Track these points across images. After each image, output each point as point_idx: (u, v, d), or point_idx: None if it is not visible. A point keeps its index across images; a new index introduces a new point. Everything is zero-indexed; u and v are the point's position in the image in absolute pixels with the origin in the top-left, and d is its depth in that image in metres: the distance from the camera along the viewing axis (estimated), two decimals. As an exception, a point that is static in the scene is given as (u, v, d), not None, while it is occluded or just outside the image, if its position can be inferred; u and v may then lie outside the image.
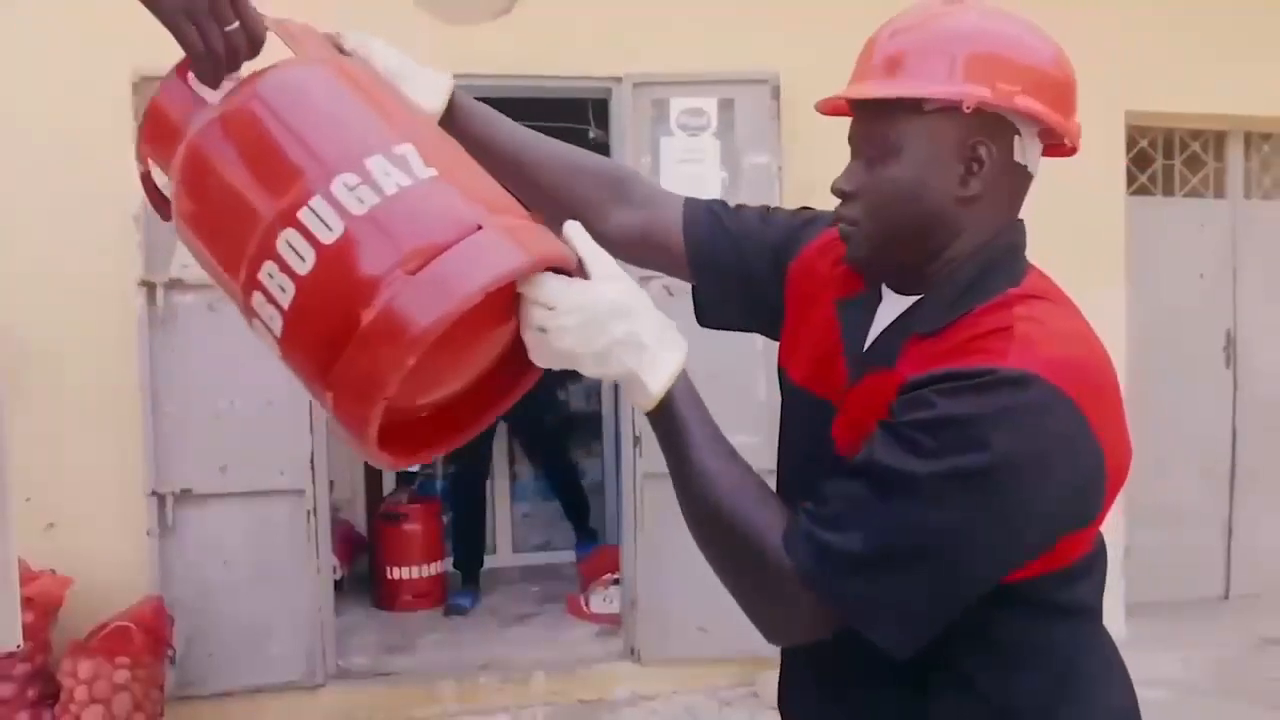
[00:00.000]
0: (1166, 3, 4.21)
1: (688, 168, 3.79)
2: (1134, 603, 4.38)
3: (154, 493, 3.44)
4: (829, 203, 1.46)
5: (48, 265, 3.45)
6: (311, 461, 3.58)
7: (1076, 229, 4.11)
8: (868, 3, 3.58)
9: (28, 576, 3.34)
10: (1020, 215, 1.10)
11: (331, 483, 4.94)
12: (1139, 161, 4.53)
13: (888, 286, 1.11)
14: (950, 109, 0.99)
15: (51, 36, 3.47)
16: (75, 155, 3.43)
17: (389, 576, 4.54)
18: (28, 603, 3.28)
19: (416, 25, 3.61)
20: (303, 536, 3.57)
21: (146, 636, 3.27)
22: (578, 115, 4.17)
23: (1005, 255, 1.06)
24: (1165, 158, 4.54)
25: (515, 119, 1.31)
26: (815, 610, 0.94)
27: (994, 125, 1.01)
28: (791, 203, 3.31)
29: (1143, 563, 4.48)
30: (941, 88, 0.99)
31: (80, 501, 3.49)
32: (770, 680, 3.82)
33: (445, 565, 4.67)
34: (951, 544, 0.91)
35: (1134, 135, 4.48)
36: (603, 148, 3.87)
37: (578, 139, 3.95)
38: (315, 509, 3.58)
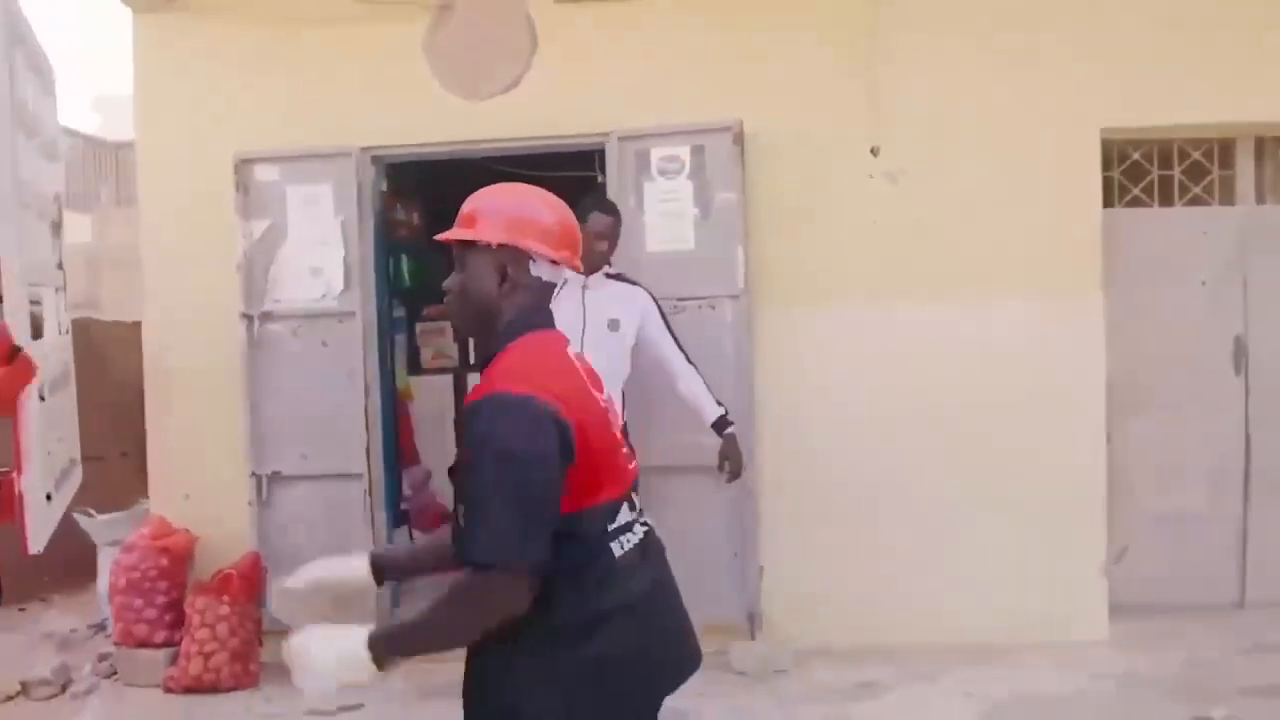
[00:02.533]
0: (1142, 24, 4.46)
1: (667, 206, 4.56)
2: (1134, 604, 4.64)
3: (254, 473, 4.68)
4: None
5: (180, 305, 4.77)
6: (368, 452, 4.68)
7: (1053, 242, 4.52)
8: (814, 61, 4.35)
9: (166, 532, 4.69)
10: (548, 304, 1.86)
11: (429, 471, 6.13)
12: (1134, 174, 4.76)
13: (475, 350, 1.90)
14: (489, 246, 1.78)
15: (180, 130, 4.78)
16: (195, 219, 4.71)
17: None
18: (166, 551, 4.62)
19: (447, 101, 4.59)
20: (364, 511, 4.69)
21: (244, 582, 4.49)
22: (589, 165, 5.00)
23: (522, 328, 1.82)
24: (1164, 168, 4.73)
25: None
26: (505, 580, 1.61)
27: (516, 255, 1.79)
28: (754, 230, 4.06)
29: (1149, 567, 4.74)
30: (487, 235, 1.78)
31: (207, 479, 4.78)
32: (744, 649, 4.64)
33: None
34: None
35: (1126, 149, 4.72)
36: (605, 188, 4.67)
37: (591, 185, 4.82)
38: (370, 489, 4.69)
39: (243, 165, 4.63)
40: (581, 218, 3.34)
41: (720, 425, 3.96)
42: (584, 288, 3.81)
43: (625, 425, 3.39)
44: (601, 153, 4.64)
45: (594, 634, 1.70)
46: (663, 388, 4.10)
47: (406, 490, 5.80)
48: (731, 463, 3.98)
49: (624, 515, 1.77)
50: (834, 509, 4.56)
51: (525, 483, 1.62)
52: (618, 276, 3.96)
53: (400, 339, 6.14)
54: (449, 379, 6.26)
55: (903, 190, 4.54)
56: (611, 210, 3.98)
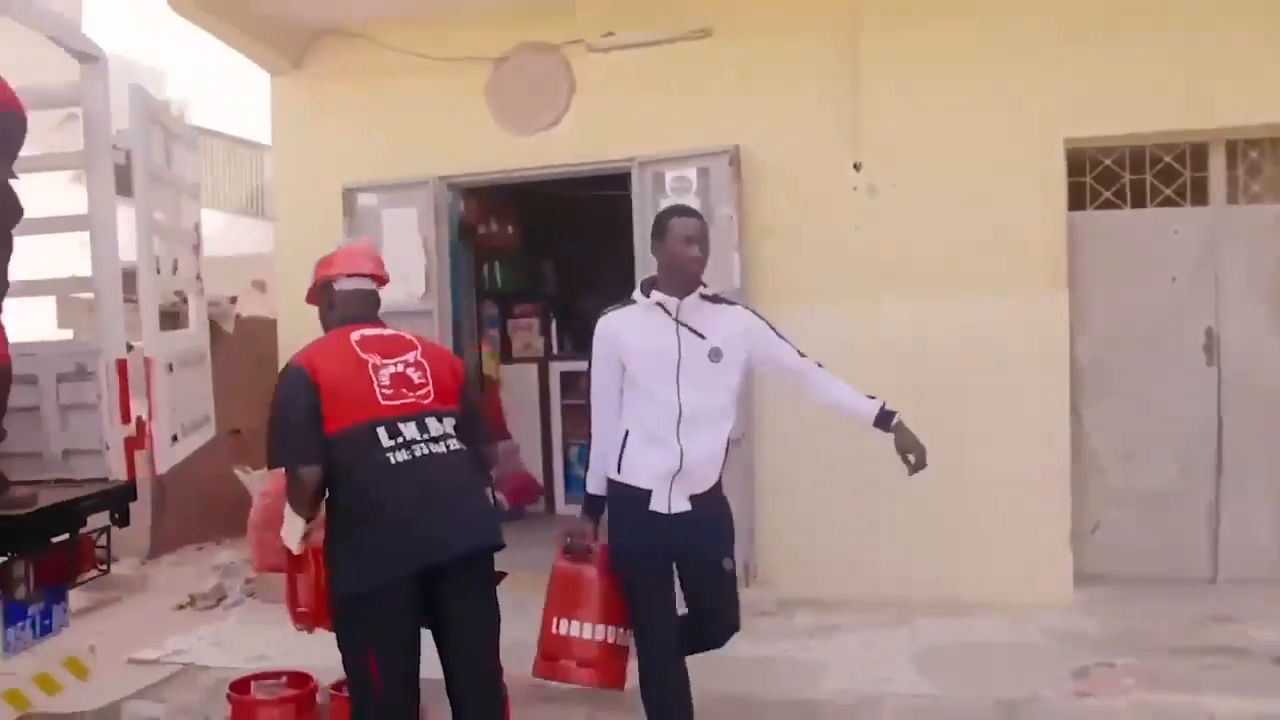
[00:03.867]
0: (1104, 42, 4.97)
1: (680, 219, 5.46)
2: (1107, 575, 5.17)
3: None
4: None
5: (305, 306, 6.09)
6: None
7: (1020, 244, 5.13)
8: (801, 92, 5.15)
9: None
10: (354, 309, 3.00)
11: (516, 445, 7.28)
12: (1110, 178, 5.24)
13: None
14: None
15: (304, 166, 6.12)
16: (315, 236, 6.02)
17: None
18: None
19: (499, 135, 5.71)
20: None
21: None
22: (620, 185, 5.96)
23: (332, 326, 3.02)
24: (1137, 173, 5.19)
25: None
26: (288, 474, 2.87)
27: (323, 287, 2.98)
28: (750, 237, 4.88)
29: (1121, 541, 5.23)
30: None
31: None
32: None
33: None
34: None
35: (1097, 156, 5.22)
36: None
37: (623, 202, 5.78)
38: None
39: (348, 193, 5.92)
40: (661, 227, 3.18)
41: (884, 420, 3.25)
42: (676, 317, 3.15)
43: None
44: (628, 175, 5.60)
45: (369, 518, 2.77)
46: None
47: (493, 460, 6.97)
48: (915, 455, 3.22)
49: (403, 435, 2.84)
50: (822, 480, 5.31)
51: (281, 418, 2.80)
52: (715, 298, 3.29)
53: (494, 333, 7.35)
54: (534, 366, 7.38)
55: (882, 201, 5.25)
56: (694, 212, 3.33)
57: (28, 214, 3.37)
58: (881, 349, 5.14)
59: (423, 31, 5.76)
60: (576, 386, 6.75)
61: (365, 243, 3.78)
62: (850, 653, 4.61)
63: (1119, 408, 5.23)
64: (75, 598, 4.92)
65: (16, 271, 3.36)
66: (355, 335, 2.98)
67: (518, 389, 7.33)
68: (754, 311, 3.42)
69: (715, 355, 3.15)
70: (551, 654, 3.26)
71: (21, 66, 3.92)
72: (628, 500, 3.17)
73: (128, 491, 3.74)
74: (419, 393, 2.96)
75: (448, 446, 2.93)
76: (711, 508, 3.24)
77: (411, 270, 5.91)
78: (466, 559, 2.88)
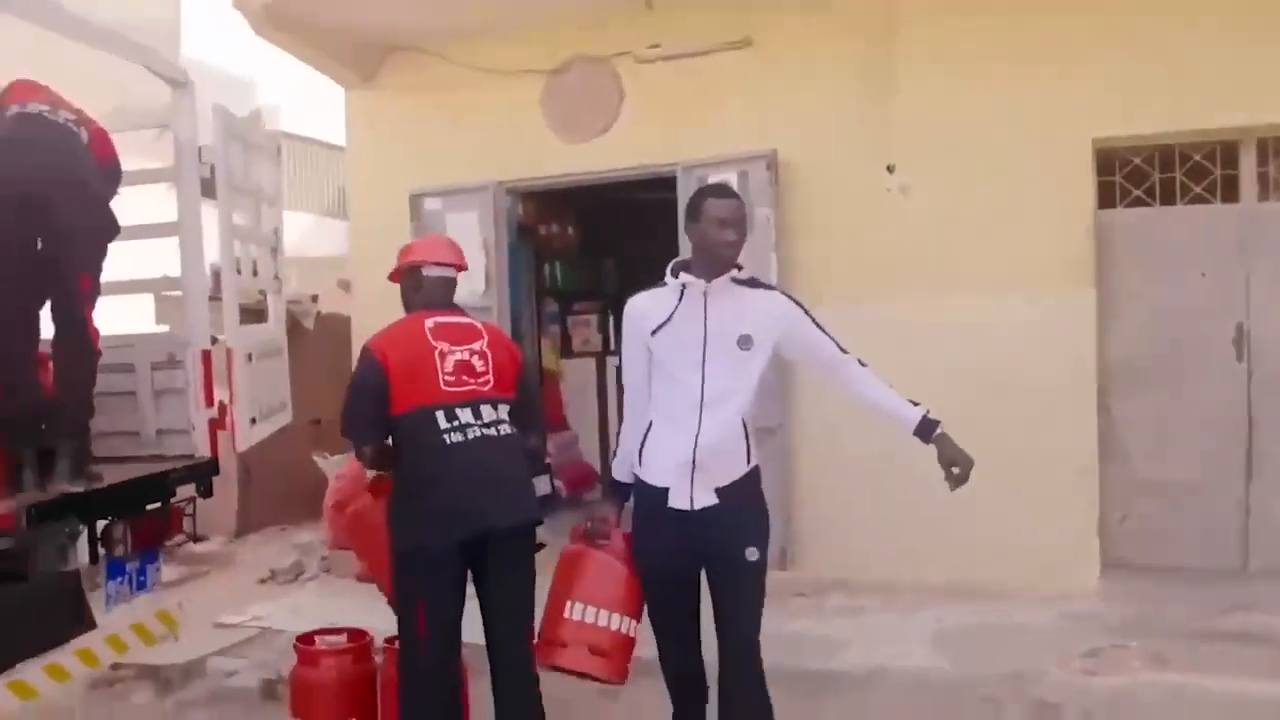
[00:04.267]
0: (1132, 45, 5.14)
1: (721, 220, 5.79)
2: (1126, 562, 5.39)
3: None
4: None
5: (376, 303, 6.59)
6: (500, 413, 6.27)
7: (1048, 244, 5.33)
8: (836, 98, 5.45)
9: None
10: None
11: (576, 436, 7.68)
12: (1139, 177, 5.39)
13: None
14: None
15: (375, 173, 6.62)
16: (384, 238, 6.51)
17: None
18: (358, 479, 6.46)
19: (554, 142, 6.12)
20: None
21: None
22: (667, 188, 6.30)
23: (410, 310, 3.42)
24: (1167, 171, 5.33)
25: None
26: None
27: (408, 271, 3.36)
28: (787, 238, 5.21)
29: (1146, 531, 5.39)
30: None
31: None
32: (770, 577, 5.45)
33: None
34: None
35: (1127, 155, 5.38)
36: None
37: (669, 205, 6.12)
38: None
39: (414, 199, 6.40)
40: (695, 208, 3.04)
41: (925, 430, 3.06)
42: (705, 294, 3.03)
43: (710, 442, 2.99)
44: (674, 178, 5.95)
45: (424, 489, 3.16)
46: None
47: (552, 450, 7.39)
48: (960, 467, 3.02)
49: (459, 420, 3.20)
50: (856, 468, 5.58)
51: (352, 397, 3.23)
52: (751, 282, 3.13)
53: (554, 329, 7.77)
54: (593, 360, 7.78)
55: (915, 201, 5.50)
56: (730, 193, 3.21)
57: (130, 220, 3.88)
58: (913, 343, 5.37)
59: (483, 47, 6.20)
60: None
61: (443, 236, 4.11)
62: (873, 631, 4.88)
63: (1149, 402, 5.37)
64: (170, 571, 5.52)
65: (120, 272, 3.88)
66: (430, 322, 3.34)
67: (577, 382, 7.74)
68: (793, 299, 3.16)
69: (745, 343, 3.00)
70: (561, 639, 3.18)
71: (122, 87, 4.50)
72: (647, 498, 3.11)
73: (210, 467, 4.23)
74: (479, 380, 3.31)
75: (499, 431, 3.28)
76: (741, 500, 3.06)
77: (472, 269, 6.33)
78: (507, 533, 3.25)
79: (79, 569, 3.75)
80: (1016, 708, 4.03)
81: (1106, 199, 5.39)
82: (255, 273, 4.90)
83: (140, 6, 14.68)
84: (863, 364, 3.12)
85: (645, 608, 3.17)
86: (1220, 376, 5.27)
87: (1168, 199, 5.36)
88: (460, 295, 6.11)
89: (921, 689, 4.21)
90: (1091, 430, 5.27)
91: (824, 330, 3.12)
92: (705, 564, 3.09)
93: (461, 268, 3.63)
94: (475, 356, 3.33)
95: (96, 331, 3.71)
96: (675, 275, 3.08)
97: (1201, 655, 4.31)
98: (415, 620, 3.27)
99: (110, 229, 3.70)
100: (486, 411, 3.28)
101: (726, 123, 5.80)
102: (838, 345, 3.11)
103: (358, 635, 4.03)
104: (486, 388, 3.30)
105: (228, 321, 4.41)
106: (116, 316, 4.01)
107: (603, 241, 8.30)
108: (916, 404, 3.09)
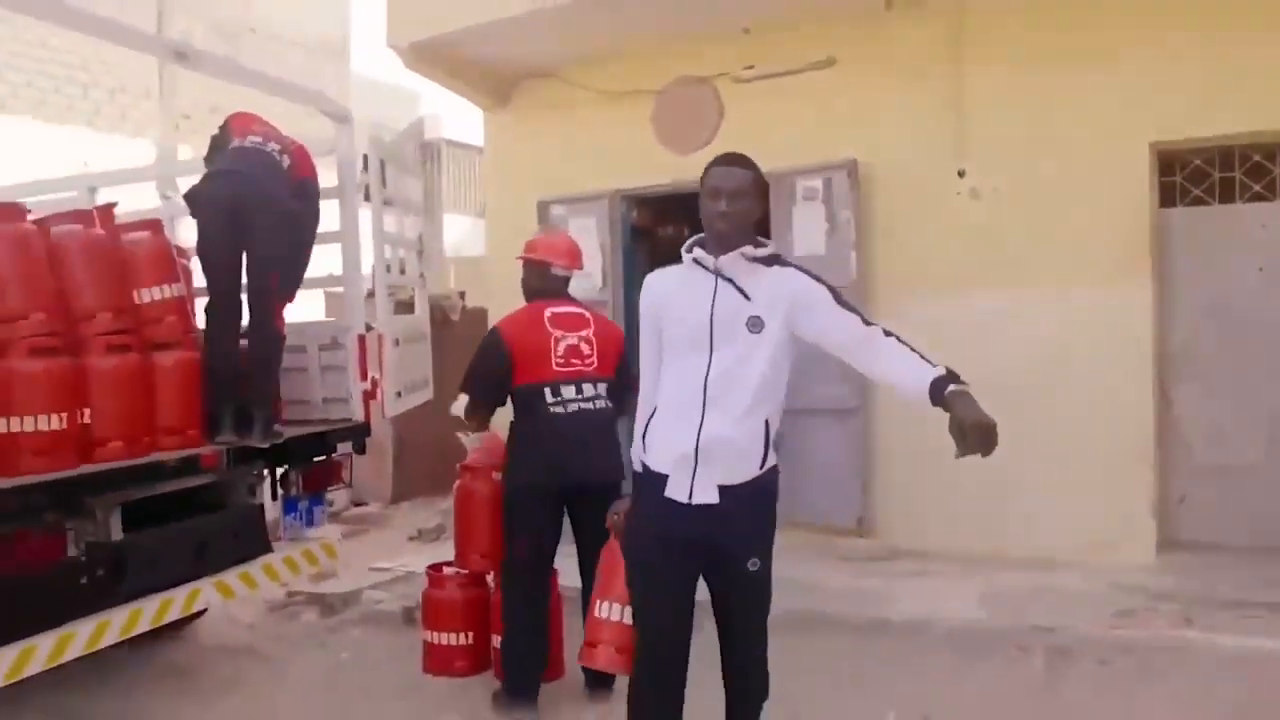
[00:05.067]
0: (1191, 52, 5.54)
1: (809, 225, 6.48)
2: (1185, 541, 5.81)
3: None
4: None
5: (512, 298, 7.60)
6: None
7: (1109, 240, 5.80)
8: (911, 107, 6.18)
9: (495, 443, 7.54)
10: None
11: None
12: (1197, 176, 5.76)
13: None
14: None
15: (505, 184, 7.62)
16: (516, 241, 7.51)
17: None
18: (492, 452, 7.48)
19: (662, 154, 6.95)
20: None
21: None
22: (763, 193, 7.01)
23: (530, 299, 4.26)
24: (1224, 170, 5.68)
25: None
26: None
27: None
28: (866, 238, 6.09)
29: (1204, 512, 5.78)
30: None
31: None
32: (850, 544, 6.17)
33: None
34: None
35: (1187, 157, 5.76)
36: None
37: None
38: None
39: (542, 205, 7.36)
40: (701, 181, 2.94)
41: (938, 389, 2.67)
42: (716, 272, 2.85)
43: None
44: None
45: (531, 445, 4.06)
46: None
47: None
48: (972, 434, 2.60)
49: (562, 395, 4.05)
50: (929, 450, 6.13)
51: (475, 366, 4.10)
52: (770, 259, 2.90)
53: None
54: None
55: (984, 203, 6.04)
56: (733, 160, 3.00)
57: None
58: (982, 334, 5.91)
59: (599, 71, 7.09)
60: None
61: (566, 236, 4.90)
62: (928, 590, 5.48)
63: (1207, 390, 5.75)
64: (335, 530, 6.67)
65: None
66: (549, 312, 4.21)
67: (689, 371, 8.53)
68: (813, 276, 2.89)
69: (755, 324, 2.78)
70: (592, 639, 3.40)
71: (289, 118, 5.61)
72: (645, 483, 2.95)
73: (364, 429, 5.26)
74: (585, 362, 4.17)
75: (595, 405, 4.14)
76: (746, 502, 2.84)
77: (591, 267, 7.25)
78: (592, 488, 4.02)
79: (262, 504, 4.86)
80: (1040, 654, 4.58)
81: (1167, 198, 5.79)
82: (403, 271, 5.94)
83: (317, 31, 16.41)
84: (888, 334, 2.78)
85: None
86: (1277, 365, 5.59)
87: (1227, 197, 5.72)
88: (580, 290, 7.08)
89: (958, 635, 4.81)
90: (1149, 415, 5.69)
91: (852, 308, 2.83)
92: (704, 573, 2.91)
93: (581, 268, 4.48)
94: (583, 342, 4.18)
95: (282, 320, 4.77)
96: (690, 251, 2.90)
97: (1227, 619, 4.74)
98: (518, 546, 4.18)
99: (300, 240, 4.76)
100: (587, 389, 4.13)
101: (811, 134, 6.47)
102: (862, 318, 2.81)
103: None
104: (590, 368, 4.15)
105: (380, 312, 5.44)
106: (294, 309, 5.08)
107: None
108: (931, 363, 2.69)
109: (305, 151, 4.88)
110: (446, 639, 4.67)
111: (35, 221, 4.10)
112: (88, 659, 3.81)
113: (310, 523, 5.12)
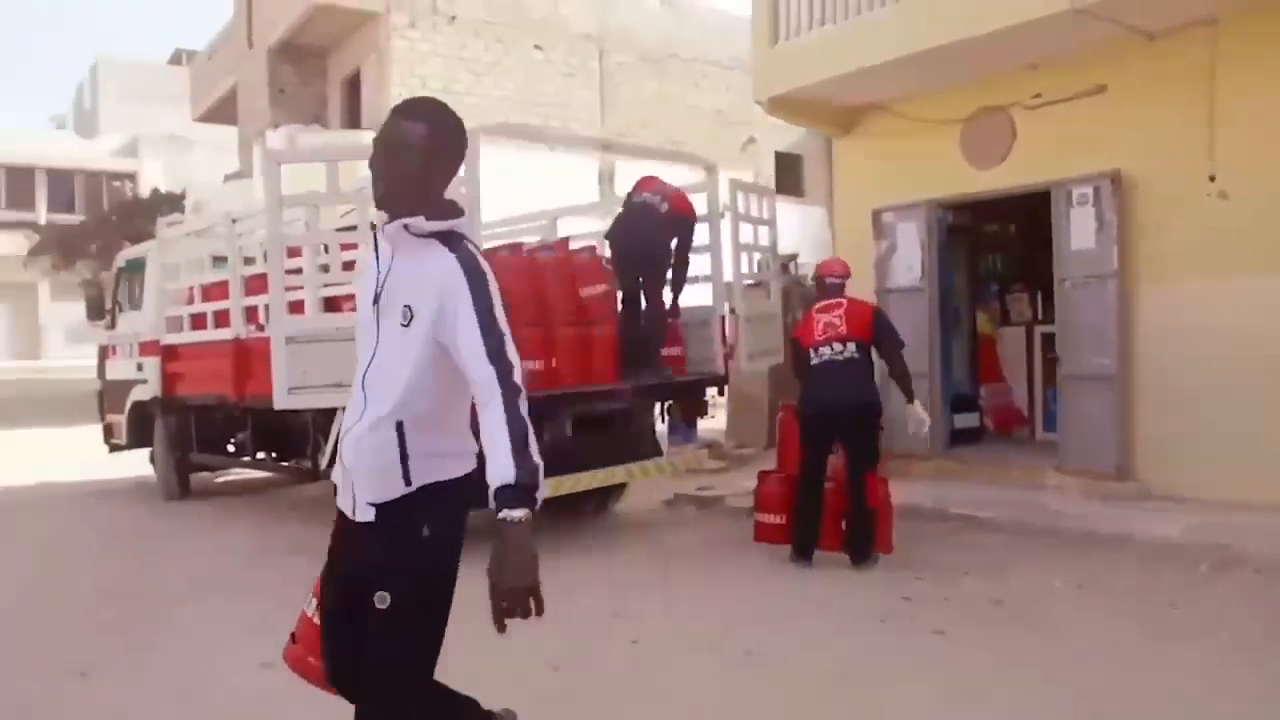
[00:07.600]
0: None
1: (1082, 225, 8.08)
2: None
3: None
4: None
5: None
6: (930, 362, 9.23)
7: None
8: (1167, 124, 8.27)
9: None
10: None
11: (1009, 387, 10.24)
12: None
13: None
14: None
15: (849, 195, 9.93)
16: (857, 242, 9.81)
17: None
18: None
19: (968, 169, 8.86)
20: (927, 396, 9.26)
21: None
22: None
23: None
24: None
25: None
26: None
27: None
28: (1127, 236, 8.27)
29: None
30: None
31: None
32: (1109, 487, 8.00)
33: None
34: None
35: None
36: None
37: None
38: (931, 384, 9.22)
39: (875, 213, 9.57)
40: None
41: (498, 497, 2.27)
42: (392, 244, 2.46)
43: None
44: (1049, 193, 8.35)
45: (806, 383, 6.51)
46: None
47: (984, 395, 10.06)
48: (494, 597, 2.28)
49: (822, 353, 6.41)
50: (1180, 412, 7.56)
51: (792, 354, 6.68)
52: (446, 236, 2.43)
53: (994, 305, 10.39)
54: (1023, 329, 10.20)
55: (1232, 205, 7.31)
56: (403, 110, 2.46)
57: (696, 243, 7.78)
58: (1228, 313, 7.26)
59: (919, 103, 9.15)
60: (1053, 344, 9.44)
61: (838, 258, 7.34)
62: (1144, 519, 6.98)
63: None
64: (703, 451, 9.52)
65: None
66: (816, 307, 6.66)
67: (1011, 345, 10.26)
68: (469, 265, 2.36)
69: (405, 315, 2.38)
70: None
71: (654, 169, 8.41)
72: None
73: (722, 378, 7.98)
74: (836, 330, 6.51)
75: (843, 356, 6.44)
76: (393, 529, 2.42)
77: (914, 263, 9.36)
78: (845, 411, 6.38)
79: (654, 424, 7.75)
80: (1209, 565, 6.08)
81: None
82: (757, 269, 8.54)
83: (727, 53, 19.71)
84: (511, 397, 2.31)
85: None
86: None
87: None
88: (905, 281, 9.24)
89: (1144, 548, 6.43)
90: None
91: (487, 323, 2.32)
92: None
93: (848, 276, 6.82)
94: (835, 317, 6.52)
95: (662, 307, 7.61)
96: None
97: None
98: (800, 458, 6.61)
99: (664, 259, 7.55)
100: (837, 347, 6.45)
101: (1084, 150, 8.07)
102: (486, 350, 2.31)
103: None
104: (840, 333, 6.46)
105: (736, 299, 8.10)
106: (686, 297, 7.91)
107: (1040, 238, 10.61)
108: (520, 467, 2.27)
109: (683, 195, 7.64)
110: (768, 518, 7.21)
111: (528, 251, 7.29)
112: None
113: (686, 440, 7.92)
